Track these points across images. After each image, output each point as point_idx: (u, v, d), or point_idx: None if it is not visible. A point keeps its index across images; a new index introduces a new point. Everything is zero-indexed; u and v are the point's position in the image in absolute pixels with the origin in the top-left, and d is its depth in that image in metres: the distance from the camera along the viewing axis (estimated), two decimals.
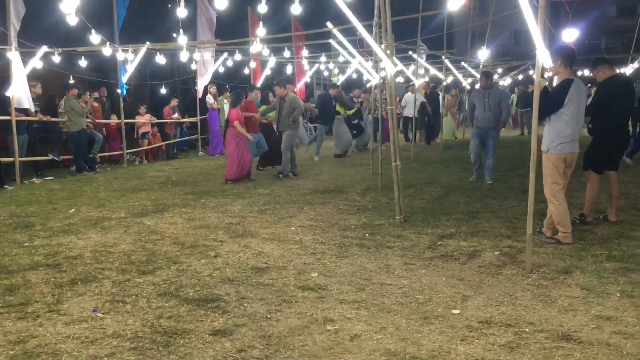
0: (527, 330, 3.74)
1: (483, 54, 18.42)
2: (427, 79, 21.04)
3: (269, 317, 4.02)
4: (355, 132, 14.98)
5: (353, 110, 14.91)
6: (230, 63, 16.76)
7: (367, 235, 6.31)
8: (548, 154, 5.69)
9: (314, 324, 3.90)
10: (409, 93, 17.59)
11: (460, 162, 12.46)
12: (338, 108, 14.21)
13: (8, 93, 10.79)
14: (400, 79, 22.14)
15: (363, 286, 4.64)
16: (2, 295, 4.49)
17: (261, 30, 10.59)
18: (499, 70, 24.11)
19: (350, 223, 6.88)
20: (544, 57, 4.85)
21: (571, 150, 5.66)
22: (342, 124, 14.30)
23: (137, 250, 5.83)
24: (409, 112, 17.31)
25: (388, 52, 7.27)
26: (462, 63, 20.75)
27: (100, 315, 4.08)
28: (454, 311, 4.09)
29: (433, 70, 19.16)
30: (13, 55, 10.81)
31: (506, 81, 25.28)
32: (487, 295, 4.41)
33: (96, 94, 14.89)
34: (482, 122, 9.44)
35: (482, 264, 5.19)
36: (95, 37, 11.64)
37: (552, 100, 5.57)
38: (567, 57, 5.67)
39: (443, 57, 17.01)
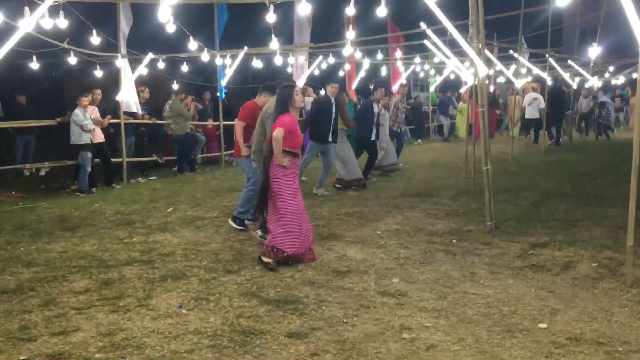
0: (620, 349, 3.45)
1: (594, 51, 17.24)
2: (529, 78, 20.08)
3: (345, 321, 3.99)
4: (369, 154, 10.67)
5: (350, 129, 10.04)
6: (324, 66, 16.92)
7: (454, 241, 6.11)
8: None
9: (390, 331, 3.82)
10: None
11: (563, 166, 11.80)
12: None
13: (118, 98, 11.55)
14: (501, 79, 21.34)
15: (445, 294, 4.50)
16: (99, 289, 4.79)
17: (351, 34, 10.57)
18: (611, 69, 22.56)
19: (438, 228, 6.70)
20: None
21: None
22: (343, 140, 9.89)
23: (226, 249, 6.02)
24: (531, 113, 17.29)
25: (480, 50, 7.00)
26: (569, 62, 19.62)
27: (184, 311, 4.25)
28: (540, 325, 3.85)
29: (536, 70, 18.30)
30: (122, 62, 11.54)
31: (619, 80, 23.61)
32: (580, 310, 4.12)
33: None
34: None
35: (576, 276, 4.86)
36: (193, 44, 12.13)
37: None
38: None
39: (547, 56, 16.16)
